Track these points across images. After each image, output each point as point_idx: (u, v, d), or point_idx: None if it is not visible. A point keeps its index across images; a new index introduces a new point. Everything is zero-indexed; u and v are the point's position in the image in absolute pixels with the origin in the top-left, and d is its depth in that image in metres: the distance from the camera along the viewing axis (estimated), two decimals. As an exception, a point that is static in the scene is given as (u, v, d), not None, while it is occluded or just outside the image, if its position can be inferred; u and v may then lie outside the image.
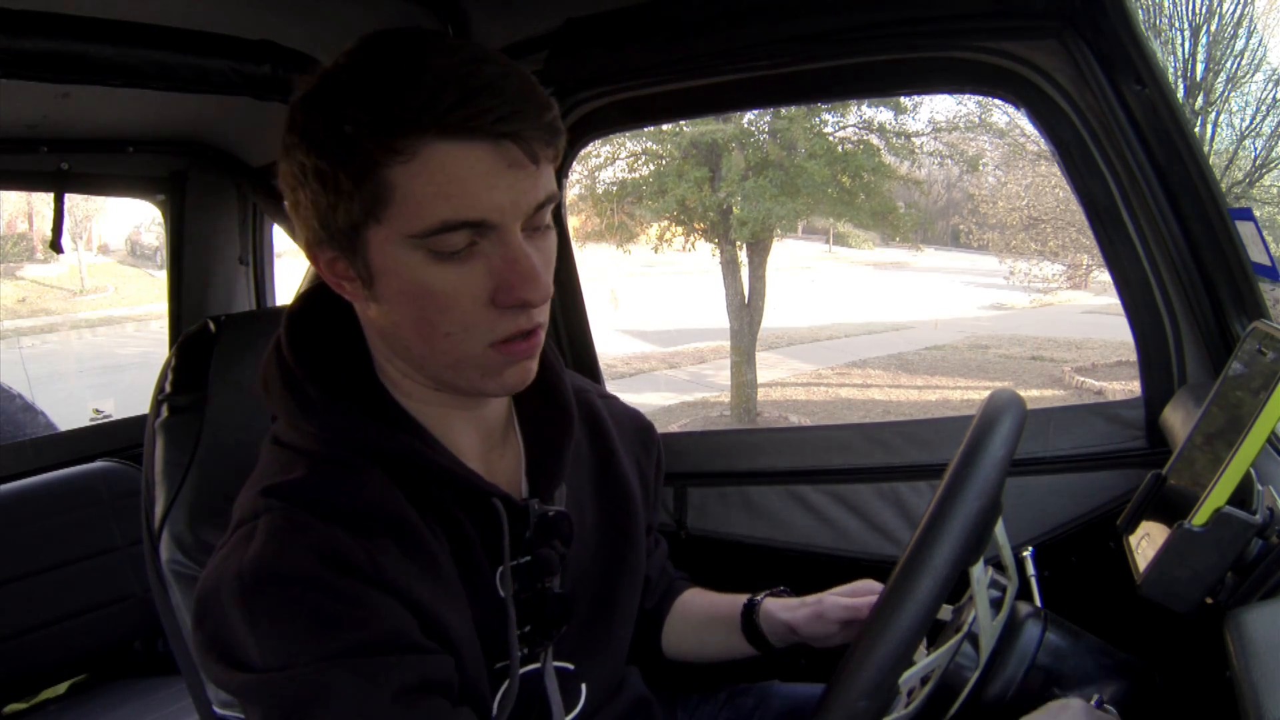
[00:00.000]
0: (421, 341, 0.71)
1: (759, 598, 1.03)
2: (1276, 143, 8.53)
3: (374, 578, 0.68)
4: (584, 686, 0.89)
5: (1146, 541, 0.84)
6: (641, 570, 0.97)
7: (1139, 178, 1.12)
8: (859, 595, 0.97)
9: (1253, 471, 0.76)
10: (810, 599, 0.99)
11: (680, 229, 8.15)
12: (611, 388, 1.17)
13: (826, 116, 7.86)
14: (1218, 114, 8.65)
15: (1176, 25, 8.42)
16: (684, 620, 1.08)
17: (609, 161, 8.01)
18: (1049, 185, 9.84)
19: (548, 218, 0.71)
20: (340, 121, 0.64)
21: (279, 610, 0.65)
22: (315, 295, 0.82)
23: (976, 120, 8.93)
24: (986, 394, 0.78)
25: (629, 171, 7.95)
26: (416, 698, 0.66)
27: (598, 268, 11.30)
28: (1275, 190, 9.03)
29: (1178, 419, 1.11)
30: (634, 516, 0.96)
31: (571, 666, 0.87)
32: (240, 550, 0.68)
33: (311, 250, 0.72)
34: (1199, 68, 8.44)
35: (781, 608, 1.00)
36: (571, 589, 0.87)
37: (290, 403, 0.76)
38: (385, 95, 0.63)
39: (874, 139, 8.00)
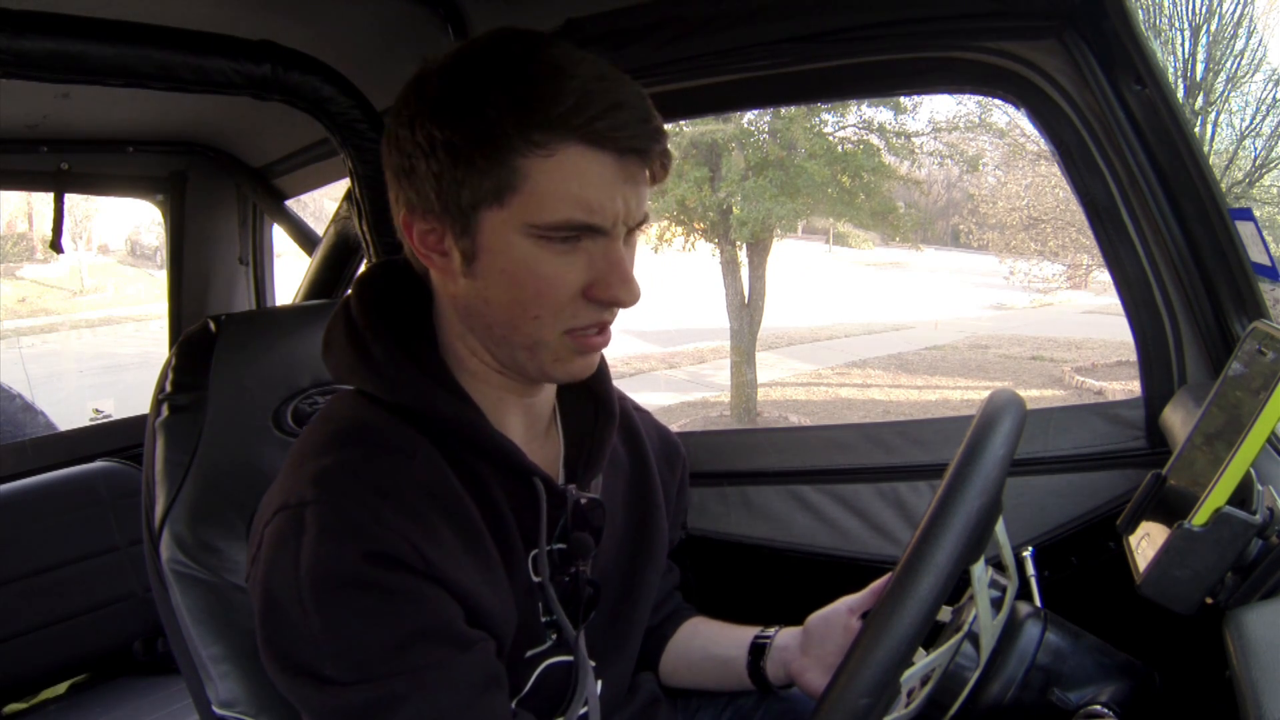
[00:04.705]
0: (507, 321, 0.73)
1: (770, 633, 1.02)
2: (1276, 143, 8.53)
3: (422, 570, 0.68)
4: (599, 684, 0.89)
5: (1146, 541, 0.84)
6: (656, 585, 0.98)
7: (1139, 178, 1.12)
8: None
9: (1253, 471, 0.76)
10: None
11: (680, 229, 8.15)
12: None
13: (826, 116, 7.86)
14: (1218, 114, 8.66)
15: (1176, 25, 8.43)
16: (683, 657, 1.07)
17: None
18: (1049, 185, 9.85)
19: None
20: (483, 105, 0.67)
21: (337, 617, 0.66)
22: (384, 268, 0.84)
23: (976, 120, 8.93)
24: (986, 394, 0.78)
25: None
26: (477, 692, 0.70)
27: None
28: (1275, 190, 9.03)
29: (1178, 419, 1.11)
30: (660, 531, 0.97)
31: (592, 663, 0.88)
32: (291, 544, 0.68)
33: (408, 218, 0.74)
34: (1199, 68, 8.45)
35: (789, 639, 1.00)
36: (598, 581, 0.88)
37: (354, 359, 0.77)
38: (534, 92, 0.67)
39: (874, 139, 8.00)
